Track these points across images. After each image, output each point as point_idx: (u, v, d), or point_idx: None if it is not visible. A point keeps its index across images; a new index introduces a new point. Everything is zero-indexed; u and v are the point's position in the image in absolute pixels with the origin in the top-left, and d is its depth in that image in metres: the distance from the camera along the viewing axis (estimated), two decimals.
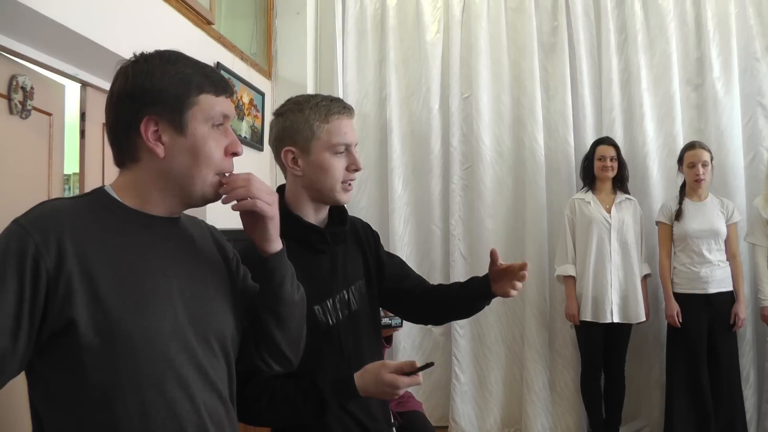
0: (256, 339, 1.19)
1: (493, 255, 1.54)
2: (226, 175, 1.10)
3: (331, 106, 1.44)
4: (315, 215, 1.49)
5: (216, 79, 1.10)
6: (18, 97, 1.96)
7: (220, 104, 1.09)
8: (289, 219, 1.42)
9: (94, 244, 0.99)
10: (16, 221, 0.98)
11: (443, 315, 1.79)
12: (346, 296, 1.49)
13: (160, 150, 1.04)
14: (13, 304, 0.93)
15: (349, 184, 1.47)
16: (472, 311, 1.67)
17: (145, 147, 1.05)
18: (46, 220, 0.98)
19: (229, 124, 1.12)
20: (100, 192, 1.08)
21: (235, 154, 1.11)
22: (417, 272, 1.74)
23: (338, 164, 1.44)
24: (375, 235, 1.66)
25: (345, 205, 1.53)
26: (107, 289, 0.97)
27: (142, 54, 1.08)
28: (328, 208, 1.52)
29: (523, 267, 1.51)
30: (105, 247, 1.00)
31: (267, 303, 1.17)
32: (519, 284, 1.53)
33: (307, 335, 1.28)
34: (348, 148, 1.45)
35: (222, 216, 3.10)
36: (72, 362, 0.96)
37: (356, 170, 1.47)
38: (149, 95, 1.04)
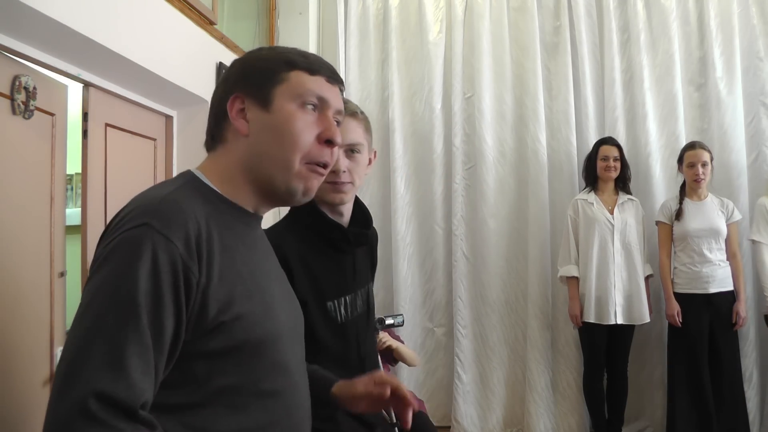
0: None
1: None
2: (324, 167, 0.99)
3: None
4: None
5: (313, 59, 1.01)
6: (21, 97, 1.95)
7: (315, 83, 0.99)
8: (314, 214, 1.44)
9: (216, 245, 0.91)
10: (149, 225, 0.85)
11: None
12: (357, 298, 1.50)
13: (242, 126, 0.97)
14: (172, 328, 0.84)
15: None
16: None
17: (231, 127, 0.99)
18: (182, 225, 0.87)
19: (331, 113, 1.01)
20: (196, 182, 0.98)
21: (331, 143, 0.99)
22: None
23: None
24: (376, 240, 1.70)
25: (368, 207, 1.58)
26: (239, 295, 0.92)
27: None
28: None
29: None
30: (225, 249, 0.93)
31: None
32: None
33: (320, 330, 1.33)
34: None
35: None
36: (197, 371, 0.90)
37: None
38: (240, 74, 1.01)
